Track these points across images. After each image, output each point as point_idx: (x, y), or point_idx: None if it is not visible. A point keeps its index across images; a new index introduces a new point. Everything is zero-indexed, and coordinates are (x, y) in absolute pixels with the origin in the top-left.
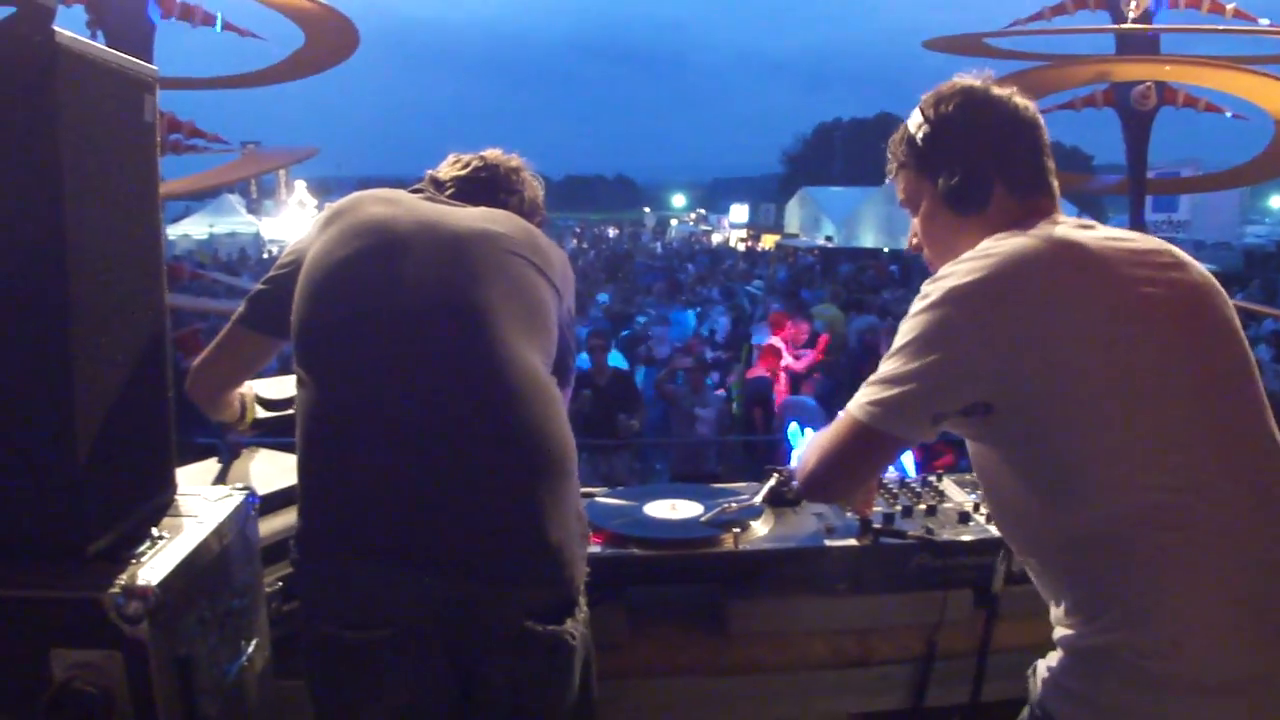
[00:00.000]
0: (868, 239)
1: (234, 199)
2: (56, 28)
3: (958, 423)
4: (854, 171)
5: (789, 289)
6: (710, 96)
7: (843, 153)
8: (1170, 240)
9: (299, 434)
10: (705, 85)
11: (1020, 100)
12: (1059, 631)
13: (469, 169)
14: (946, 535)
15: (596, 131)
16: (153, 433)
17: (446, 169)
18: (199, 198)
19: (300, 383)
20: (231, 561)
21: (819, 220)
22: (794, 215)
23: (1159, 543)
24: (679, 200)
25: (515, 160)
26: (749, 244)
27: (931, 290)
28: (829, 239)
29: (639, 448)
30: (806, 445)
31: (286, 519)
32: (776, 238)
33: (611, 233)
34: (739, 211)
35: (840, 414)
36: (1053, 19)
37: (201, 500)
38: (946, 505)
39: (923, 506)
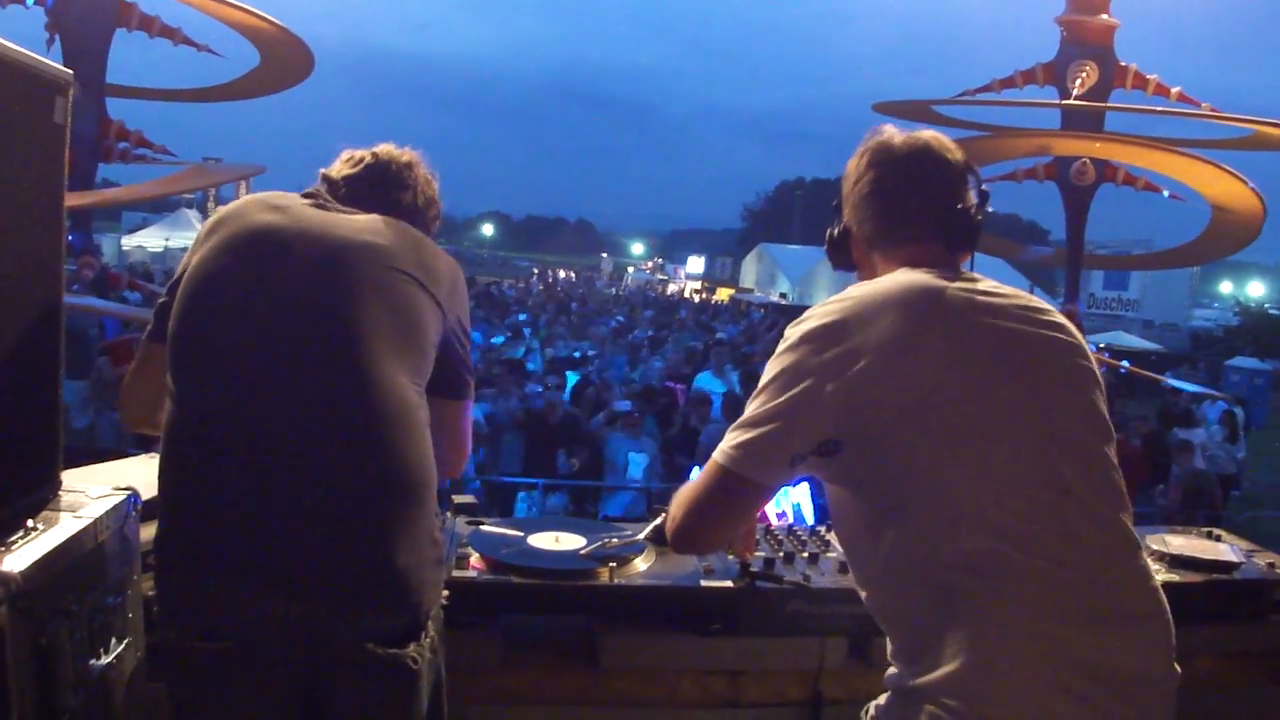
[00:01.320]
0: (822, 297)
1: (191, 214)
2: None
3: (814, 464)
4: (813, 231)
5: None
6: (677, 147)
7: (803, 212)
8: (1118, 318)
9: (162, 444)
10: (673, 136)
11: (913, 151)
12: (888, 672)
13: (360, 166)
14: (824, 583)
15: (562, 174)
16: (37, 429)
17: (340, 166)
18: (156, 210)
19: (169, 394)
20: (106, 559)
21: (775, 276)
22: (750, 270)
23: (975, 589)
24: (638, 248)
25: (408, 155)
26: (704, 295)
27: (790, 333)
28: (784, 296)
29: (575, 490)
30: (676, 495)
31: None
32: (731, 291)
33: (563, 275)
34: (696, 263)
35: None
36: (1001, 91)
37: (83, 497)
38: (830, 554)
39: (806, 554)
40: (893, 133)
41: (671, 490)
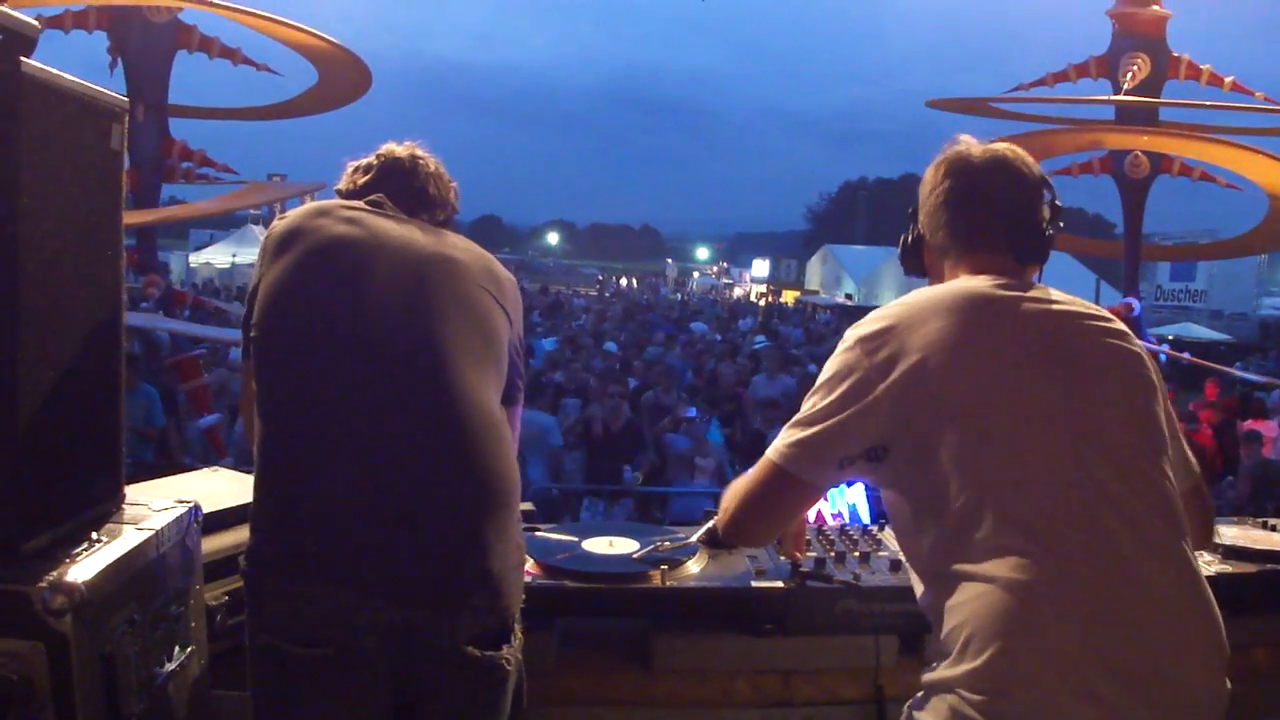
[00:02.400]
0: (888, 298)
1: (257, 230)
2: (25, 59)
3: (863, 468)
4: (877, 231)
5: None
6: (738, 150)
7: (867, 212)
8: (1186, 310)
9: (258, 455)
10: (733, 139)
11: (988, 164)
12: (925, 669)
13: (371, 172)
14: (874, 582)
15: (624, 181)
16: (101, 444)
17: (352, 177)
18: (222, 227)
19: (262, 405)
20: (168, 569)
21: (840, 278)
22: (815, 272)
23: (1005, 586)
24: (702, 252)
25: (408, 148)
26: (769, 298)
27: (848, 335)
28: (849, 297)
29: (640, 497)
30: (729, 487)
31: (238, 535)
32: (797, 293)
33: (623, 283)
34: (761, 266)
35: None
36: (1054, 85)
37: (145, 510)
38: (881, 554)
39: (857, 554)
40: (970, 144)
41: None
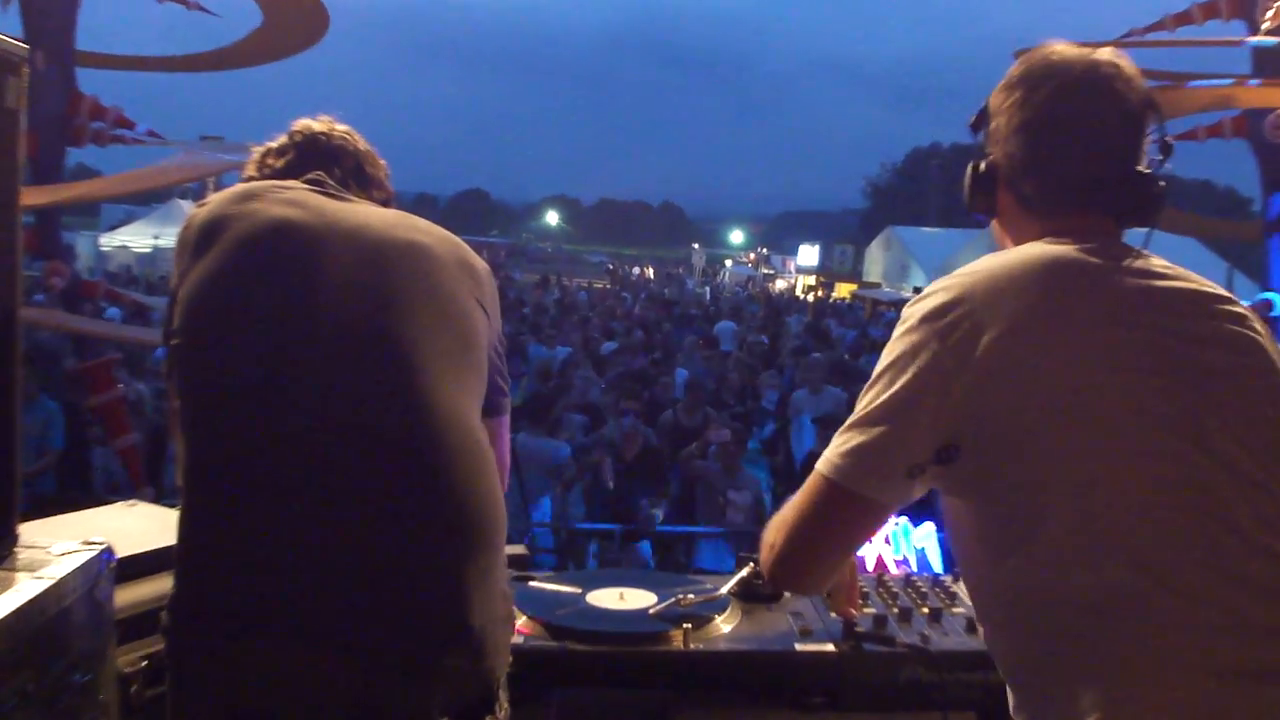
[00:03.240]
0: None
1: (185, 205)
2: None
3: (936, 474)
4: (954, 209)
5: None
6: (780, 112)
7: (941, 186)
8: None
9: (182, 486)
10: (774, 98)
11: (1080, 77)
12: None
13: (288, 153)
14: (946, 645)
15: (640, 149)
16: None
17: (263, 161)
18: (143, 202)
19: (187, 426)
20: (72, 628)
21: (907, 267)
22: (877, 260)
23: (1109, 632)
24: (736, 236)
25: (324, 122)
26: (819, 293)
27: (908, 313)
28: (918, 291)
29: (659, 538)
30: (773, 519)
31: (159, 585)
32: (853, 287)
33: (637, 271)
34: (809, 253)
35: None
36: (1175, 30)
37: (44, 554)
38: (956, 610)
39: (925, 610)
40: (1059, 50)
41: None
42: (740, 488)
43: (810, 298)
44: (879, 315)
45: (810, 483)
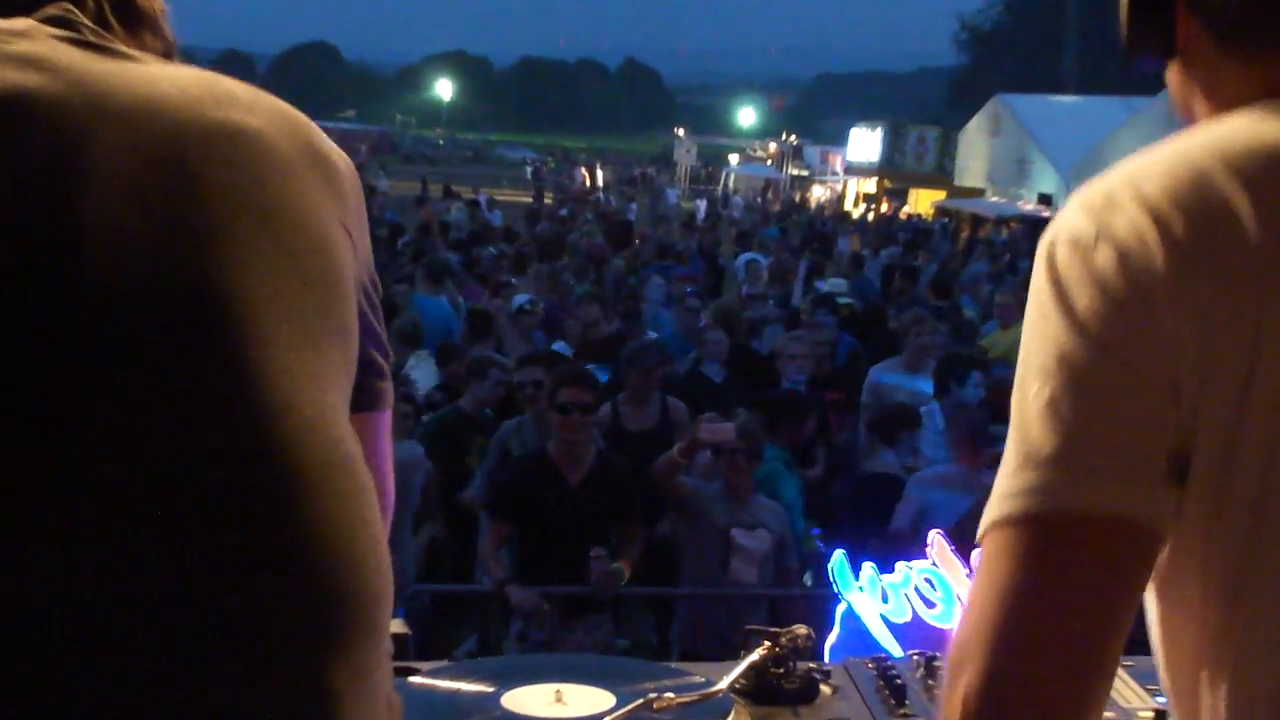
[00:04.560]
0: None
1: None
2: None
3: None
4: (1098, 68)
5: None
6: None
7: (1078, 31)
8: None
9: None
10: None
11: None
12: None
13: None
14: None
15: None
16: None
17: None
18: None
19: None
20: None
21: (1026, 162)
22: (976, 150)
23: None
24: (747, 116)
25: None
26: (882, 207)
27: (1049, 249)
28: (1045, 201)
29: (626, 605)
30: (954, 637)
31: None
32: (939, 195)
33: (583, 176)
34: (864, 141)
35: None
36: None
37: None
38: None
39: None
40: None
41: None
42: (752, 523)
43: (870, 215)
44: (980, 242)
45: (993, 544)
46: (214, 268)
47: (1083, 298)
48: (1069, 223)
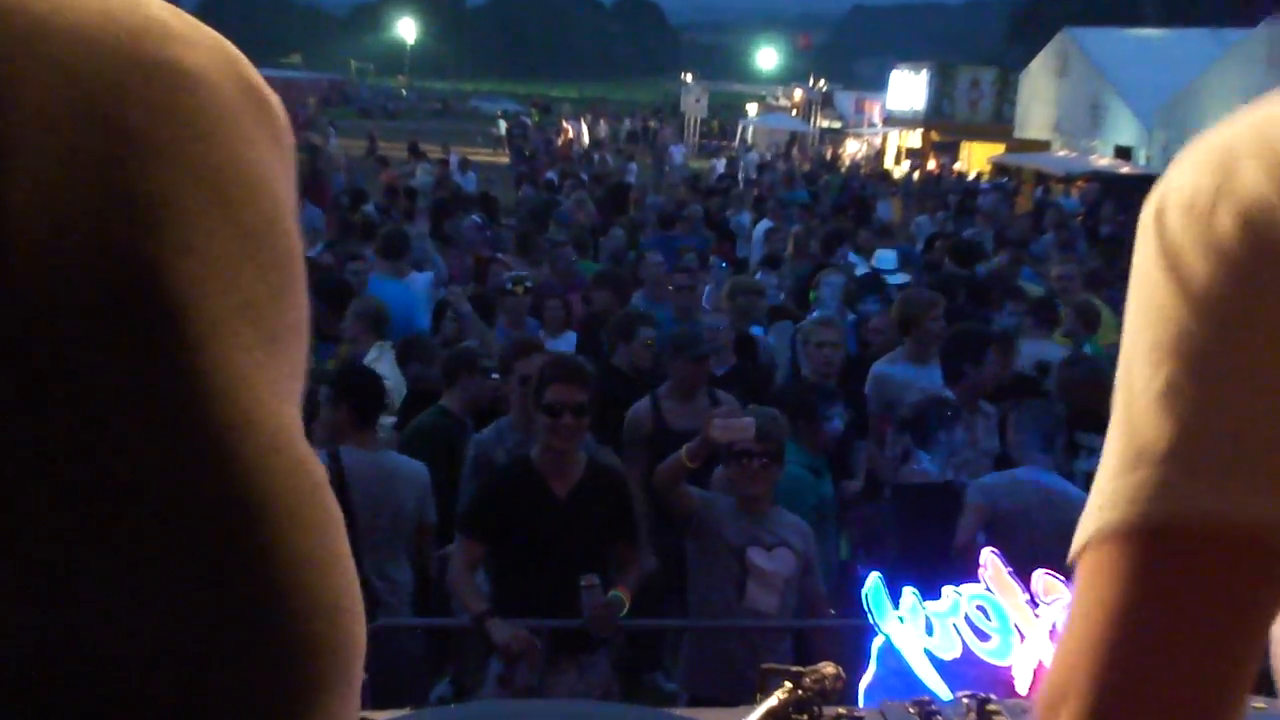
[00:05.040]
0: None
1: None
2: None
3: None
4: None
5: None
6: None
7: None
8: None
9: None
10: None
11: None
12: None
13: None
14: None
15: None
16: None
17: None
18: None
19: None
20: None
21: (1100, 108)
22: (1040, 95)
23: None
24: (767, 58)
25: None
26: (929, 165)
27: (1161, 205)
28: (1124, 155)
29: (634, 637)
30: (1048, 669)
31: None
32: (996, 149)
33: (575, 129)
34: (906, 87)
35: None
36: None
37: None
38: None
39: None
40: None
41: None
42: (772, 543)
43: (916, 173)
44: (1043, 206)
45: (1092, 562)
46: (160, 253)
47: (1200, 268)
48: (1181, 182)
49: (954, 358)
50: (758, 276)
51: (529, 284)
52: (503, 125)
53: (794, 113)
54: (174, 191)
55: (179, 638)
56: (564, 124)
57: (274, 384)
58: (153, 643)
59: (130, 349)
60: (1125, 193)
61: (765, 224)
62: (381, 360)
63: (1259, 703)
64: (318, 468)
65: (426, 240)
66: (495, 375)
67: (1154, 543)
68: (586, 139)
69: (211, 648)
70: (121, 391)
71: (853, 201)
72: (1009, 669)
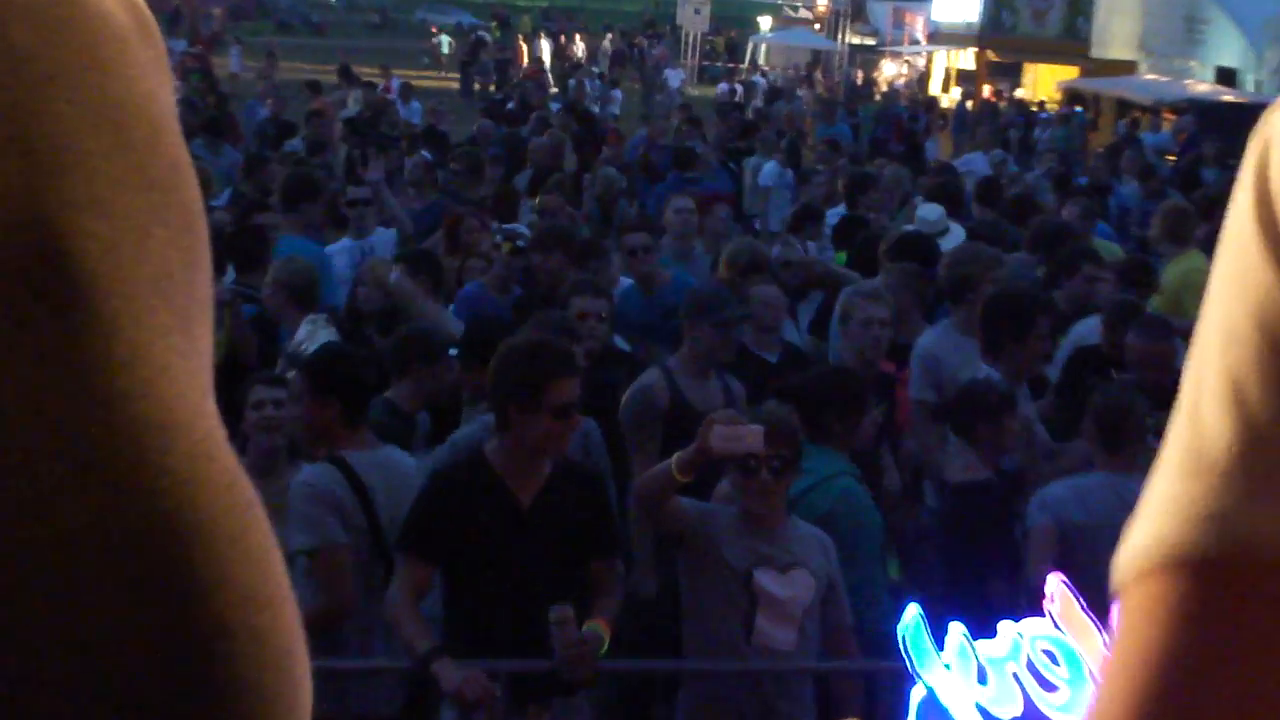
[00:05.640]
0: None
1: None
2: None
3: None
4: None
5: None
6: None
7: None
8: None
9: None
10: None
11: None
12: None
13: None
14: None
15: None
16: None
17: None
18: None
19: None
20: None
21: (1198, 21)
22: (1123, 4)
23: None
24: None
25: None
26: (985, 94)
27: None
28: (1227, 78)
29: (621, 679)
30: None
31: None
32: (1068, 73)
33: (544, 49)
34: None
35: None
36: None
37: None
38: None
39: None
40: None
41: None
42: (786, 563)
43: (969, 103)
44: (1137, 134)
45: (1136, 599)
46: (62, 210)
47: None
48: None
49: (994, 328)
50: (784, 243)
51: (521, 243)
52: (445, 43)
53: (817, 27)
54: (73, 131)
55: (104, 691)
56: (520, 43)
57: (194, 375)
58: (76, 699)
59: (32, 334)
60: (1228, 127)
61: (772, 167)
62: (315, 339)
63: None
64: (245, 478)
65: (384, 188)
66: (454, 352)
67: (1209, 574)
68: (548, 60)
69: (143, 701)
70: (21, 389)
71: (897, 136)
72: None
